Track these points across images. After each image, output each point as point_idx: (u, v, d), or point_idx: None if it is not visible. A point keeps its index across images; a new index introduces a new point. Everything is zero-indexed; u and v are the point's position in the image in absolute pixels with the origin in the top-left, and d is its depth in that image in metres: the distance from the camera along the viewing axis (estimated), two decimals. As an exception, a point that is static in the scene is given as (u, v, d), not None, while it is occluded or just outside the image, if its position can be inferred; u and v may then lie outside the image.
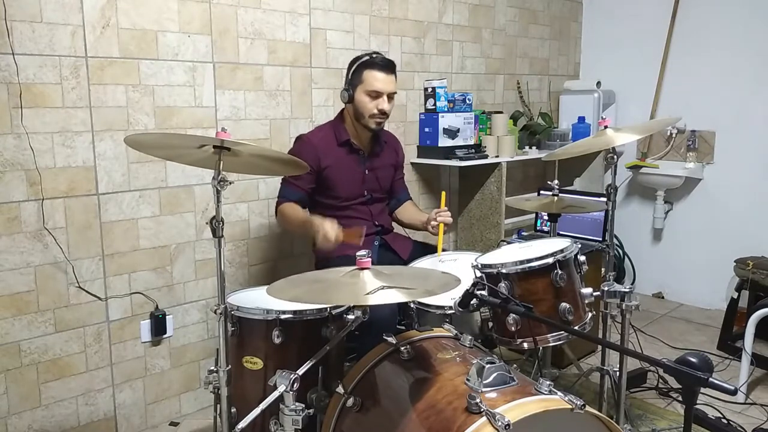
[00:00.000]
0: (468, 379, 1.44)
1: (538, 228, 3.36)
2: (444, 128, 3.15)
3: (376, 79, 2.30)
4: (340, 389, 1.60)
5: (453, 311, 1.82)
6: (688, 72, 3.86)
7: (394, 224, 2.62)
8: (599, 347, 3.00)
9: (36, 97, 2.09)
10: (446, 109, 3.18)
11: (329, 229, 2.08)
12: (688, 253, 3.96)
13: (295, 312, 1.73)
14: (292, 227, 2.37)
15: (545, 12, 4.04)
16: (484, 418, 1.28)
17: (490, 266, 1.84)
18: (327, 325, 1.76)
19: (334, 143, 2.39)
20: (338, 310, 1.78)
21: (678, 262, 4.01)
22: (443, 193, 2.40)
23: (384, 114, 2.34)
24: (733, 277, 3.36)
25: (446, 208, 2.32)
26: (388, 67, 2.33)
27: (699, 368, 1.16)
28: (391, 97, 2.35)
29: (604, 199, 2.20)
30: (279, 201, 2.37)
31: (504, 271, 1.82)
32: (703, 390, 1.18)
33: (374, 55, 2.33)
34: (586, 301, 1.93)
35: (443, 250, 2.32)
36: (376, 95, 2.31)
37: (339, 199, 2.40)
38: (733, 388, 1.12)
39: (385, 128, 2.50)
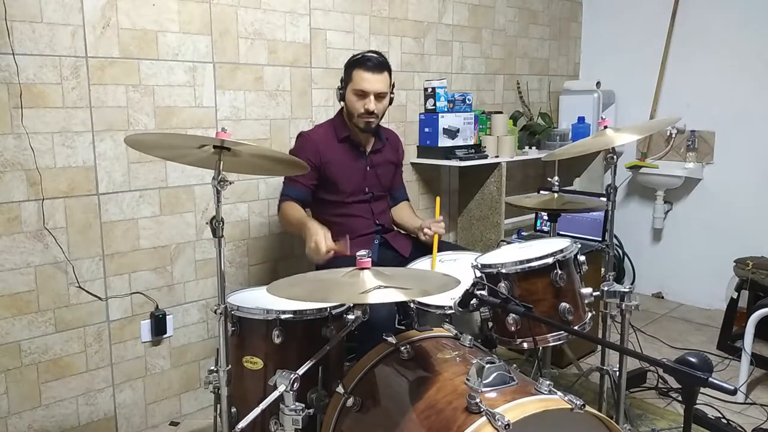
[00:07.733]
0: (468, 379, 1.44)
1: (537, 228, 3.36)
2: (444, 128, 3.15)
3: (363, 78, 2.27)
4: (340, 389, 1.60)
5: (453, 311, 1.82)
6: (688, 72, 3.86)
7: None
8: (599, 347, 3.00)
9: (36, 97, 2.09)
10: (446, 110, 3.18)
11: (321, 241, 1.99)
12: (687, 253, 3.96)
13: (295, 312, 1.73)
14: (290, 227, 2.32)
15: (545, 12, 4.04)
16: (483, 418, 1.28)
17: (490, 266, 1.84)
18: (327, 325, 1.76)
19: (335, 140, 2.39)
20: (338, 310, 1.78)
21: (678, 262, 4.01)
22: (437, 200, 2.38)
23: (371, 114, 2.31)
24: (732, 277, 3.36)
25: (440, 218, 2.29)
26: (377, 66, 2.28)
27: (699, 368, 1.16)
28: (379, 97, 2.30)
29: (604, 199, 2.20)
30: (281, 199, 2.35)
31: (504, 271, 1.82)
32: (702, 390, 1.18)
33: (367, 54, 2.31)
34: (586, 301, 1.93)
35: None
36: (362, 94, 2.28)
37: (342, 195, 2.39)
38: (732, 388, 1.12)
39: (387, 127, 2.49)
